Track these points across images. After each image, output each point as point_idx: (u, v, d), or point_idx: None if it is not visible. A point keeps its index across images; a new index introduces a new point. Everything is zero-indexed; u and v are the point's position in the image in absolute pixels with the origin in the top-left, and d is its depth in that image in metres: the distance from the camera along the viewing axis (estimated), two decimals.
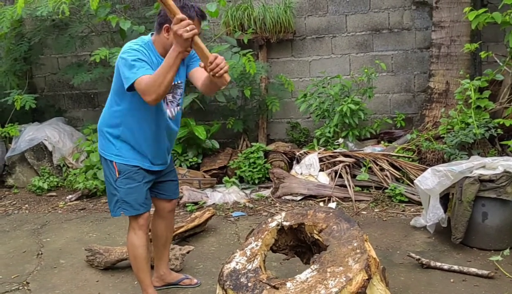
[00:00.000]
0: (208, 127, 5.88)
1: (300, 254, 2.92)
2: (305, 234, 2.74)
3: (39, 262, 3.83)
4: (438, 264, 3.34)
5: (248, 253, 2.65)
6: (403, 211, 4.48)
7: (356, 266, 2.37)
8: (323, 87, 5.80)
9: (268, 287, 2.42)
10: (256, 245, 2.68)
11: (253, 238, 2.75)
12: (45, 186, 5.59)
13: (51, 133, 5.86)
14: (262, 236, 2.73)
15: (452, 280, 3.17)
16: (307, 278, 2.41)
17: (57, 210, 5.09)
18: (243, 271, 2.56)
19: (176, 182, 3.21)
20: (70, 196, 5.40)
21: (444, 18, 5.24)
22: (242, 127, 6.05)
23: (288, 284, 2.41)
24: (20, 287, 3.44)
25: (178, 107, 2.97)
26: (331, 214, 2.70)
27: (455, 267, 3.28)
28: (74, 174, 5.55)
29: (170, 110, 2.90)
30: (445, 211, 3.72)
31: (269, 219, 2.83)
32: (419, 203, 4.42)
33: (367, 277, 2.34)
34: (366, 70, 5.68)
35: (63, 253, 3.98)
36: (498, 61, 4.86)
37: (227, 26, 6.07)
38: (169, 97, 2.87)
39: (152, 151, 2.88)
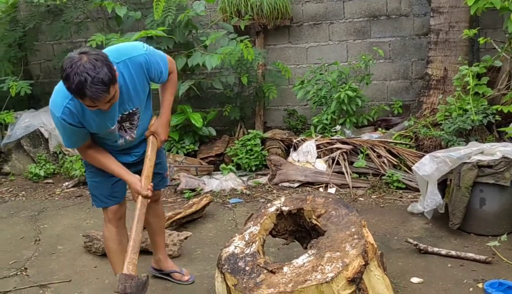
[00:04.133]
0: (205, 114, 5.84)
1: (300, 239, 2.92)
2: (304, 219, 2.74)
3: (37, 248, 3.84)
4: (436, 249, 3.36)
5: (247, 237, 2.65)
6: (401, 197, 4.48)
7: (353, 251, 2.37)
8: (321, 74, 5.77)
9: (265, 271, 2.43)
10: (255, 230, 2.69)
11: (252, 222, 2.74)
12: (42, 173, 5.56)
13: (47, 120, 5.80)
14: (261, 221, 2.73)
15: (449, 265, 3.19)
16: (304, 263, 2.42)
17: (54, 197, 5.08)
18: (241, 255, 2.56)
19: (162, 176, 3.06)
20: (66, 183, 5.38)
21: (443, 3, 5.20)
22: (239, 115, 6.02)
23: (285, 268, 2.42)
24: (18, 273, 3.45)
25: (137, 129, 2.74)
26: (330, 199, 2.70)
27: (453, 253, 3.29)
28: (71, 161, 5.52)
29: (130, 135, 2.72)
30: (442, 197, 3.72)
31: (268, 204, 2.84)
32: (417, 190, 4.42)
33: (363, 263, 2.35)
34: (364, 57, 5.65)
35: (60, 239, 3.98)
36: (496, 47, 4.84)
37: (223, 12, 6.01)
38: (127, 124, 2.66)
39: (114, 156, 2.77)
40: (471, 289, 2.90)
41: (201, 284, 3.14)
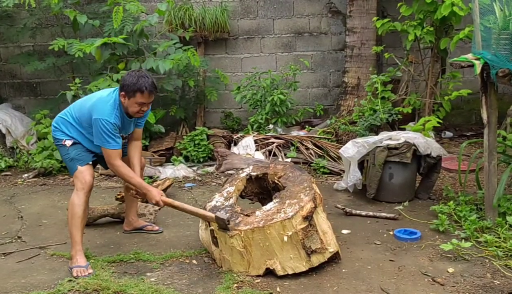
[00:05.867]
0: (154, 113, 6.52)
1: (261, 200, 3.77)
2: (267, 181, 3.60)
3: (23, 223, 4.33)
4: (358, 212, 4.37)
5: (225, 194, 3.47)
6: (326, 180, 5.49)
7: (306, 198, 3.27)
8: (255, 81, 6.72)
9: (242, 215, 3.26)
10: (231, 189, 3.51)
11: (228, 184, 3.57)
12: (2, 164, 5.92)
13: (4, 117, 6.19)
14: (235, 183, 3.56)
15: (368, 222, 4.20)
16: (271, 208, 3.28)
17: (18, 186, 5.50)
18: (222, 206, 3.37)
19: None
20: (26, 174, 5.81)
21: (356, 25, 6.39)
22: (184, 115, 6.77)
23: (257, 212, 3.26)
24: (14, 241, 3.95)
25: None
26: (287, 165, 3.60)
27: (370, 213, 4.32)
28: (30, 154, 5.95)
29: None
30: (361, 175, 4.76)
31: (240, 171, 3.67)
32: (338, 174, 5.48)
33: (314, 206, 3.24)
34: (292, 67, 6.68)
35: (42, 215, 4.50)
36: (398, 62, 6.08)
37: (169, 24, 6.78)
38: (125, 140, 3.71)
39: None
40: (385, 235, 3.93)
41: (179, 241, 3.88)
